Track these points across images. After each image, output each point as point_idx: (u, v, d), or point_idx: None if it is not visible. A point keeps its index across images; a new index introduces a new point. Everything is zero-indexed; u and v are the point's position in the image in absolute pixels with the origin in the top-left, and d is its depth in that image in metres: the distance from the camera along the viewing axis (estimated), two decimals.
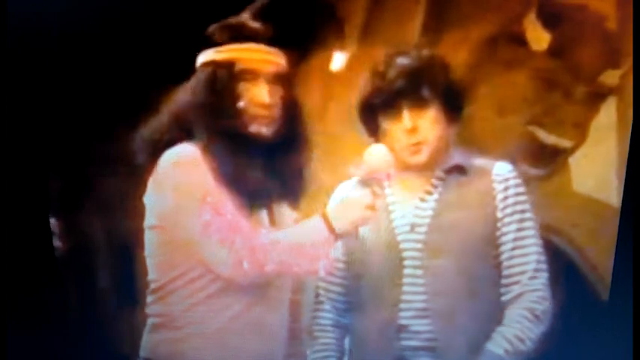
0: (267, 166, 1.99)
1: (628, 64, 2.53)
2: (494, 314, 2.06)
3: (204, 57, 2.03)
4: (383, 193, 2.03)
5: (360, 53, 2.65)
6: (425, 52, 2.17)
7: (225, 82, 1.97)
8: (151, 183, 1.98)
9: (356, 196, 1.96)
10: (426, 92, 2.08)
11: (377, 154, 1.98)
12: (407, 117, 2.07)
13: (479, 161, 2.15)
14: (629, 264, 2.26)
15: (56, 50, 2.30)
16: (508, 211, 2.09)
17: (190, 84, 2.03)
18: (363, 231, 2.07)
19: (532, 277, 2.07)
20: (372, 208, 1.94)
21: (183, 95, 2.04)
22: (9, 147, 2.22)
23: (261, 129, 1.97)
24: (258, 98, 1.97)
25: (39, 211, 2.22)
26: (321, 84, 2.57)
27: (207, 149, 1.93)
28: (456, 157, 2.14)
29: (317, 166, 2.15)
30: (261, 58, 2.00)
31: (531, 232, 2.10)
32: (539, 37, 2.71)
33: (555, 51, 2.70)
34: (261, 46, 2.01)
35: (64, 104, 2.35)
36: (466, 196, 2.11)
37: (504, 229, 2.08)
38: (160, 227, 1.96)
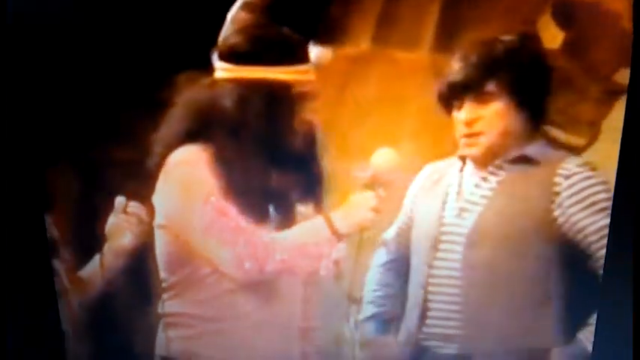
0: (283, 169, 2.02)
1: None
2: (528, 310, 2.04)
3: (240, 72, 2.01)
4: (388, 195, 2.05)
5: (373, 53, 2.66)
6: (511, 39, 2.14)
7: (286, 104, 1.99)
8: (159, 183, 2.02)
9: (361, 198, 2.00)
10: (490, 87, 2.08)
11: (383, 157, 2.01)
12: (465, 109, 2.09)
13: (551, 153, 2.13)
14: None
15: (70, 51, 2.30)
16: (576, 207, 2.05)
17: (225, 94, 2.00)
18: (417, 208, 2.08)
19: None
20: (376, 210, 1.98)
21: (206, 101, 2.03)
22: (13, 147, 2.24)
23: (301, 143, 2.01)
24: (306, 117, 2.01)
25: (36, 211, 2.24)
26: (334, 84, 2.59)
27: (218, 153, 1.95)
28: (528, 150, 2.12)
29: (331, 168, 2.18)
30: (309, 79, 2.02)
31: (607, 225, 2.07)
32: (552, 36, 2.71)
33: (569, 50, 2.69)
34: (310, 67, 2.02)
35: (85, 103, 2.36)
36: (524, 187, 2.10)
37: (580, 224, 2.03)
38: (166, 226, 2.01)
